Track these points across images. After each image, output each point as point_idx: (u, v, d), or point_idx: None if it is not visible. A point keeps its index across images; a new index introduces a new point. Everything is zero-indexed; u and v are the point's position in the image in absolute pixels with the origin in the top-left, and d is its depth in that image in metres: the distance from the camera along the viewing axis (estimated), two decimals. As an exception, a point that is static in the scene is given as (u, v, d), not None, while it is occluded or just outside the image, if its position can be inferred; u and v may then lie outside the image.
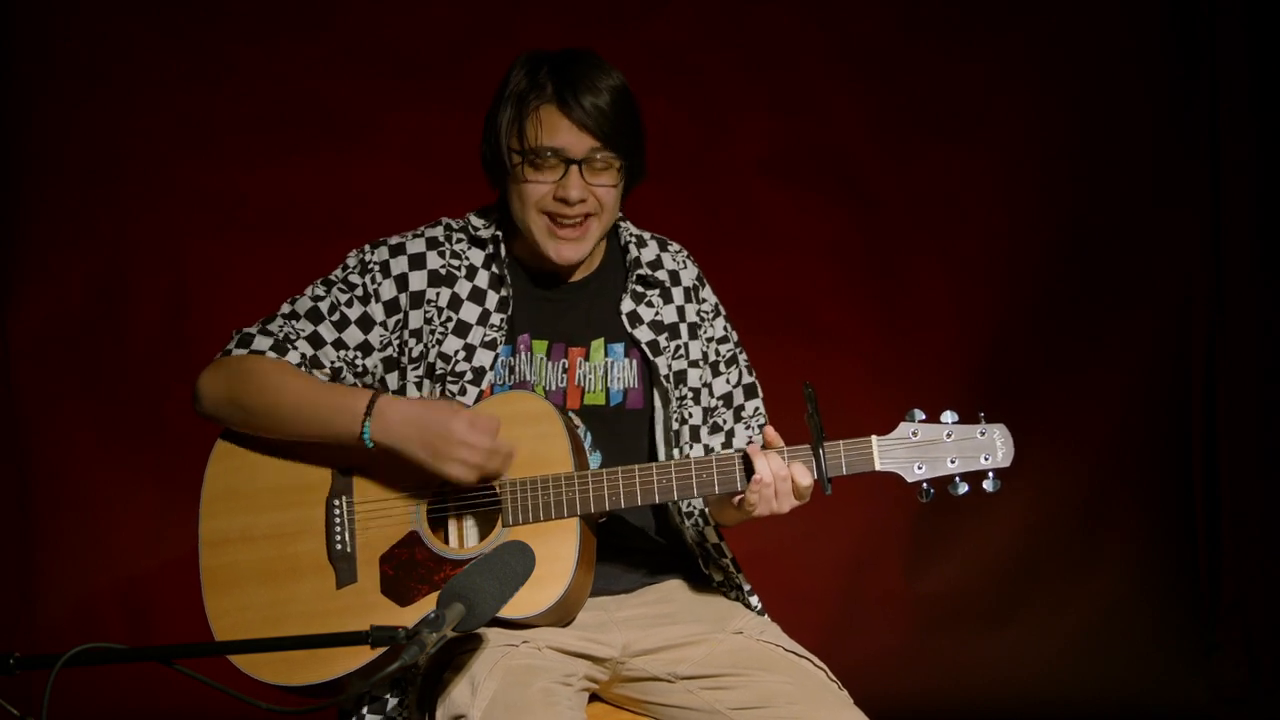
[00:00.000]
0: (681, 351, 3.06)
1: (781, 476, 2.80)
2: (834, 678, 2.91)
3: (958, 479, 2.82)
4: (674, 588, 3.06)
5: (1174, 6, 5.30)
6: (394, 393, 3.03)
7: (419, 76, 5.17)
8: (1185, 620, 5.35)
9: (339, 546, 2.94)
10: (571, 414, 3.00)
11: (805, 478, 2.81)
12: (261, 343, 2.99)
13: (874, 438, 2.83)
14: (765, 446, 2.83)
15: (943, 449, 2.82)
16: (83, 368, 5.17)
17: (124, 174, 5.16)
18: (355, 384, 3.03)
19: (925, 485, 2.82)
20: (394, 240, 3.04)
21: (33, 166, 5.14)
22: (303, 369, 3.01)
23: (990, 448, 2.82)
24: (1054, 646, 5.29)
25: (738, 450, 2.85)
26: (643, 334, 3.04)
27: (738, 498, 2.84)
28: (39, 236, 5.15)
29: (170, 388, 5.12)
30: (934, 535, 5.32)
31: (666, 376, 3.03)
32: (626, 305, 3.05)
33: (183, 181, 5.16)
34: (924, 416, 2.83)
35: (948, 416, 2.83)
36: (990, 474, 2.82)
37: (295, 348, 2.99)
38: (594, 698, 2.98)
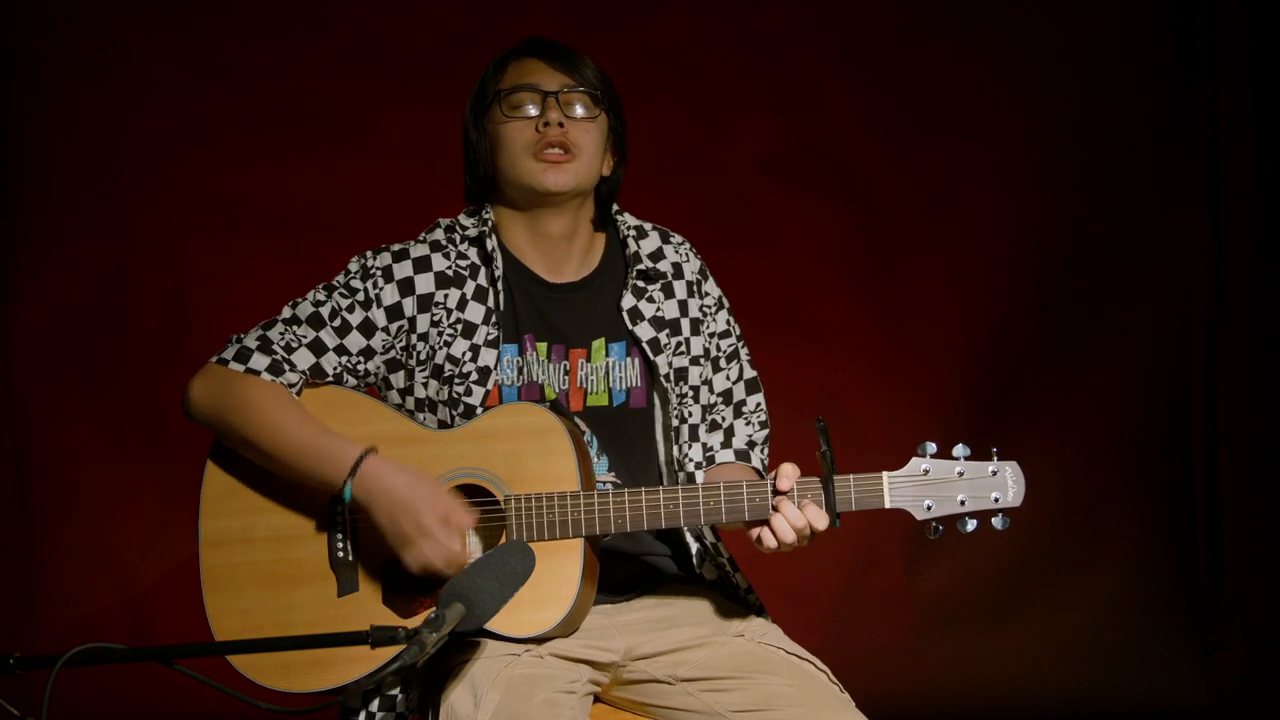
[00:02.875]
0: (683, 348, 3.04)
1: (800, 527, 2.79)
2: (835, 680, 2.90)
3: (966, 517, 2.78)
4: (675, 592, 3.04)
5: (1174, 6, 5.30)
6: (400, 391, 3.01)
7: (419, 76, 5.17)
8: (1185, 620, 5.35)
9: (340, 554, 2.92)
10: (577, 420, 2.98)
11: (821, 522, 2.79)
12: (259, 361, 2.95)
13: (885, 474, 2.79)
14: (777, 492, 2.79)
15: (954, 487, 2.78)
16: (83, 368, 5.18)
17: (124, 174, 5.16)
18: (356, 386, 3.02)
19: (934, 523, 2.78)
20: (397, 246, 3.02)
21: (33, 167, 5.14)
22: (304, 382, 2.97)
23: (1002, 486, 2.78)
24: (1054, 646, 5.29)
25: (749, 482, 2.83)
26: (644, 331, 3.02)
27: (760, 535, 2.83)
28: (39, 236, 5.15)
29: (171, 388, 5.07)
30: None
31: (666, 375, 3.01)
32: (627, 301, 3.03)
33: (183, 181, 5.16)
34: (935, 450, 2.78)
35: (959, 451, 2.78)
36: (1000, 512, 2.78)
37: (294, 365, 2.95)
38: (594, 698, 2.97)
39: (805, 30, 5.30)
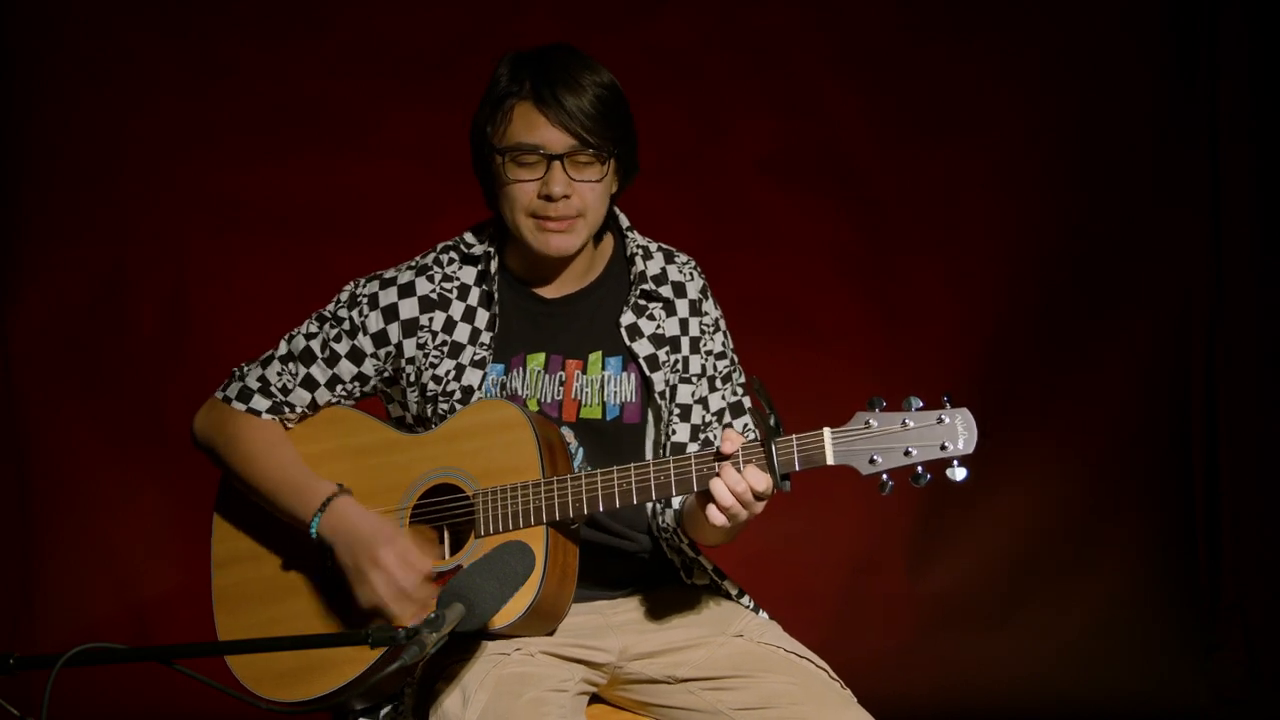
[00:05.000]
0: (679, 365, 3.04)
1: (741, 491, 2.73)
2: (836, 677, 2.90)
3: (919, 469, 2.66)
4: (672, 591, 3.04)
5: (1174, 6, 5.30)
6: (399, 404, 3.07)
7: (419, 76, 5.17)
8: (1185, 620, 5.35)
9: (330, 563, 2.96)
10: (567, 427, 2.99)
11: (761, 483, 2.73)
12: (259, 403, 3.04)
13: (826, 430, 2.69)
14: (722, 456, 2.74)
15: (899, 439, 2.65)
16: (83, 368, 5.18)
17: (124, 174, 5.16)
18: (355, 404, 3.08)
19: (884, 478, 2.66)
20: (388, 274, 3.04)
21: (33, 167, 5.14)
22: (297, 417, 3.05)
23: (951, 435, 2.65)
24: (1054, 646, 5.29)
25: (696, 453, 2.80)
26: (642, 348, 3.01)
27: (707, 509, 2.76)
28: (39, 237, 5.15)
29: (171, 388, 5.12)
30: (936, 535, 5.32)
31: (662, 393, 3.01)
32: (627, 318, 3.02)
33: (183, 181, 5.16)
34: (885, 405, 2.68)
35: (911, 403, 2.67)
36: (955, 462, 2.65)
37: (292, 405, 3.04)
38: (595, 699, 2.97)
39: (805, 30, 5.30)
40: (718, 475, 2.73)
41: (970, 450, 2.65)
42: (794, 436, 2.71)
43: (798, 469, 2.71)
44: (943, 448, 2.65)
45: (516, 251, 3.02)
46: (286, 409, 3.04)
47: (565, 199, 2.89)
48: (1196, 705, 5.21)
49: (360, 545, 2.86)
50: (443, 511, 2.93)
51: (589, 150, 2.89)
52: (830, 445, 2.68)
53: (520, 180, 2.90)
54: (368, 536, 2.86)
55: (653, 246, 3.10)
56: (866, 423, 2.68)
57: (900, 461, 2.66)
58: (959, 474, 2.65)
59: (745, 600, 3.08)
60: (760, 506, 2.75)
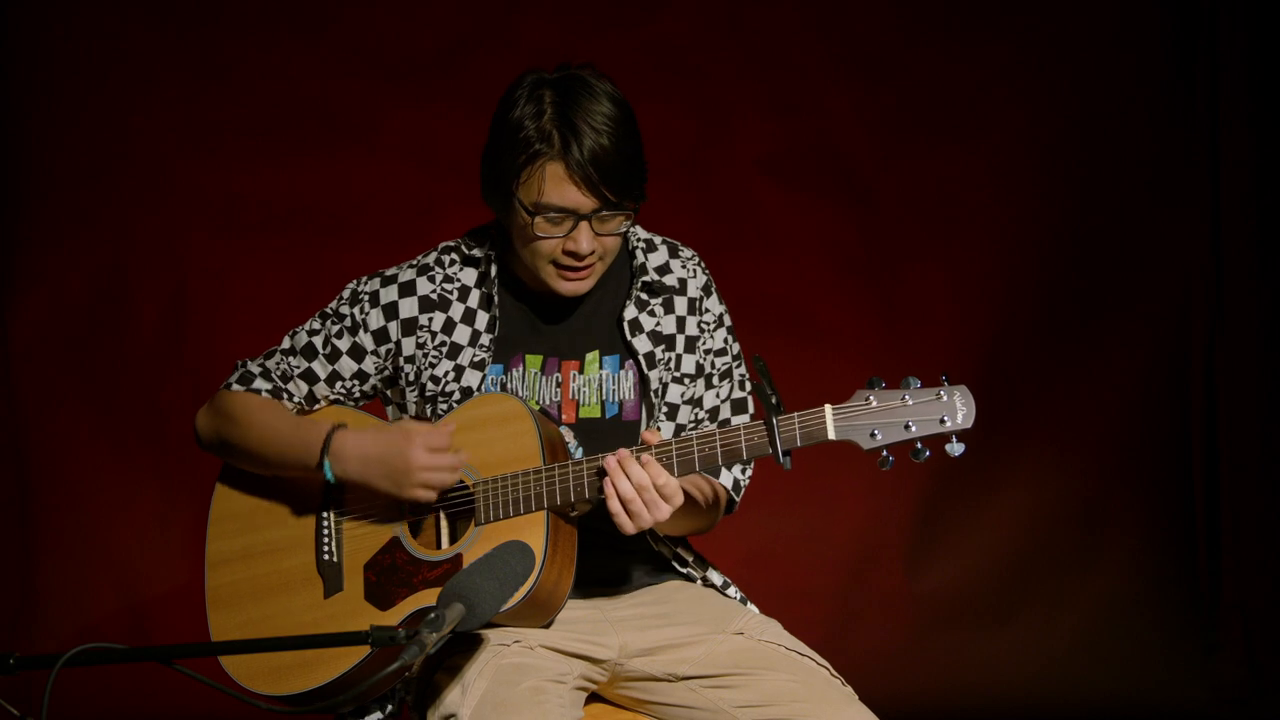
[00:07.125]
0: (672, 364, 3.05)
1: (644, 486, 2.76)
2: (837, 674, 2.90)
3: (919, 444, 2.69)
4: (672, 588, 3.05)
5: (1174, 6, 5.30)
6: (397, 406, 3.09)
7: (419, 76, 5.17)
8: (1185, 620, 5.35)
9: (326, 556, 2.98)
10: (567, 428, 3.01)
11: (661, 476, 2.76)
12: (261, 385, 3.07)
13: (828, 406, 2.72)
14: (644, 445, 2.78)
15: (899, 414, 2.69)
16: (83, 368, 5.18)
17: (124, 174, 5.17)
18: (355, 405, 3.10)
19: (884, 453, 2.70)
20: (389, 271, 3.07)
21: (33, 167, 5.15)
22: (300, 409, 3.07)
23: (950, 410, 2.68)
24: (1054, 646, 5.29)
25: (696, 433, 2.81)
26: (641, 344, 3.03)
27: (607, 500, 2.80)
28: (39, 237, 5.16)
29: (171, 388, 5.13)
30: (935, 534, 5.32)
31: (656, 390, 3.02)
32: (629, 313, 3.03)
33: (183, 181, 5.17)
34: (884, 384, 2.71)
35: (910, 382, 2.70)
36: (953, 437, 2.68)
37: (291, 395, 3.07)
38: (595, 698, 2.98)
39: (805, 30, 5.31)
40: (620, 471, 2.75)
41: (969, 425, 2.69)
42: (795, 413, 2.73)
43: (799, 445, 2.73)
44: (941, 422, 2.68)
45: (517, 256, 3.03)
46: (285, 395, 3.06)
47: (591, 255, 2.92)
48: (1196, 705, 5.21)
49: (389, 467, 2.88)
50: (444, 501, 2.93)
51: (615, 210, 2.90)
52: (832, 420, 2.71)
53: (546, 236, 2.91)
54: (389, 455, 2.88)
55: (657, 240, 3.11)
56: (867, 399, 2.71)
57: (900, 436, 2.69)
58: (957, 449, 2.68)
59: (731, 591, 3.09)
60: (666, 511, 2.77)
